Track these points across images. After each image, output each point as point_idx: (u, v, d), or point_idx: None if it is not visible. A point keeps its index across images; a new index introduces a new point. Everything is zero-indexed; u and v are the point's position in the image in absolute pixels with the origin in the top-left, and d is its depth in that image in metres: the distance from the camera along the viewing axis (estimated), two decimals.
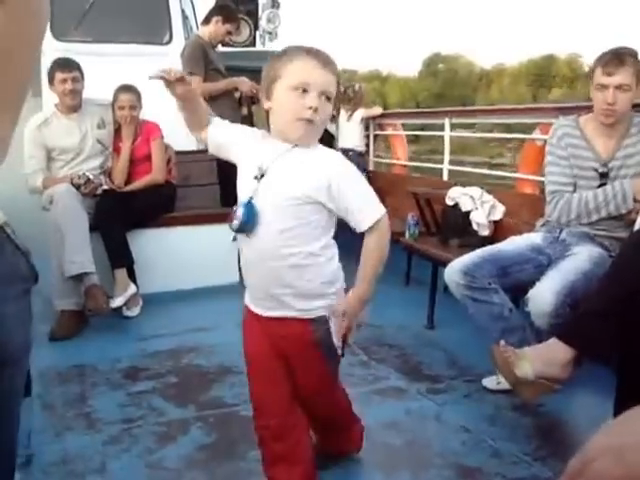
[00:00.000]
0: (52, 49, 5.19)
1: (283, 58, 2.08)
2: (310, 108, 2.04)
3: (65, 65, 4.88)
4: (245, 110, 6.61)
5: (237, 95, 6.38)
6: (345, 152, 7.66)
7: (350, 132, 7.59)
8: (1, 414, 1.47)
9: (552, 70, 73.41)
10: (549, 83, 71.69)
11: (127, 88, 5.17)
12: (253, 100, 6.37)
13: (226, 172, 5.68)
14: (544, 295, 3.03)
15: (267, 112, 2.16)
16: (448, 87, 76.32)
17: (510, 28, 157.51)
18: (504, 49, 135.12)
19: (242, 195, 2.16)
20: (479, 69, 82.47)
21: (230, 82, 6.17)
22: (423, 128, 8.75)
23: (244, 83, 6.19)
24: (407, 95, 75.06)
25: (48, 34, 5.48)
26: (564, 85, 69.53)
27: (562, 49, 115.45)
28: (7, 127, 1.28)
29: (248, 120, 6.70)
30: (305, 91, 2.03)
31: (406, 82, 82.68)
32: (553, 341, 2.80)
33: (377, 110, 7.85)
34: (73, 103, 5.00)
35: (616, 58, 3.24)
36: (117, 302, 4.58)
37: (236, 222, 2.11)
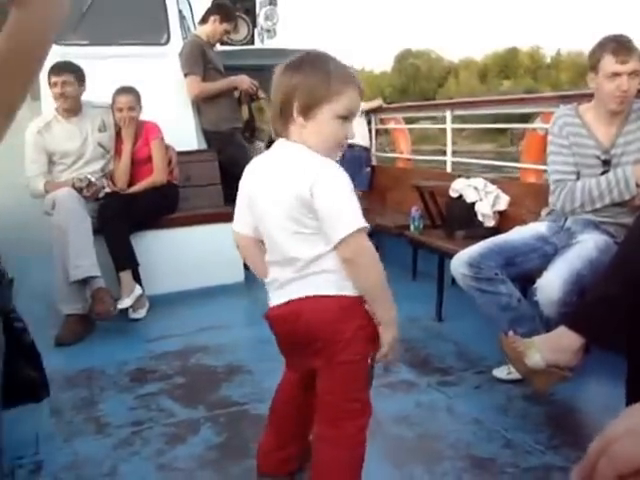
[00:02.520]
0: (50, 53, 5.16)
1: (332, 83, 1.99)
2: (348, 137, 2.09)
3: (56, 69, 4.86)
4: (246, 110, 6.61)
5: (237, 94, 6.37)
6: (350, 147, 7.65)
7: (354, 126, 7.57)
8: None
9: (514, 62, 76.32)
10: (512, 75, 74.58)
11: (125, 90, 5.15)
12: (252, 97, 6.35)
13: (229, 171, 5.68)
14: (552, 284, 3.02)
15: (286, 118, 2.06)
16: (411, 82, 77.99)
17: (479, 22, 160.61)
18: (473, 43, 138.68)
19: None
20: (447, 63, 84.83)
21: (229, 82, 6.17)
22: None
23: (243, 81, 6.18)
24: (375, 91, 76.97)
25: None
26: (512, 77, 73.35)
27: (524, 41, 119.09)
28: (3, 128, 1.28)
29: (251, 125, 6.71)
30: (346, 118, 2.05)
31: (375, 78, 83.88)
32: (562, 329, 2.79)
33: (377, 102, 7.81)
34: (65, 106, 4.99)
35: (624, 46, 3.24)
36: (125, 303, 4.57)
37: None
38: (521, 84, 65.11)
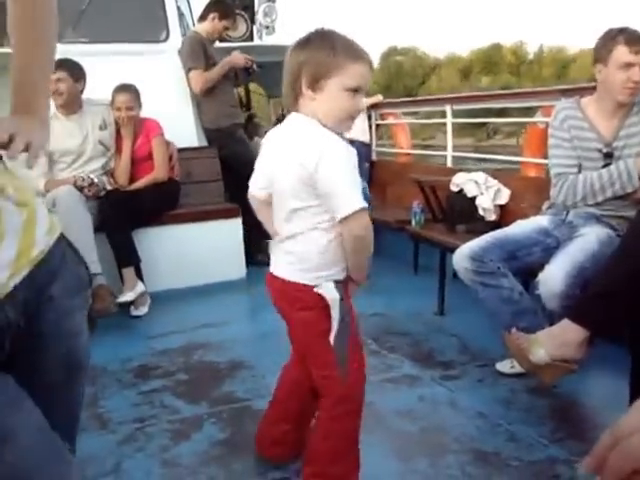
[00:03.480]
0: None
1: (338, 57, 2.05)
2: (359, 110, 2.17)
3: None
4: (243, 93, 6.61)
5: (232, 75, 6.33)
6: (350, 142, 7.59)
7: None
8: (75, 418, 1.49)
9: (498, 58, 78.36)
10: (496, 70, 76.85)
11: (123, 88, 5.15)
12: (249, 72, 6.32)
13: (233, 167, 5.68)
14: (554, 277, 3.02)
15: (295, 93, 2.14)
16: (395, 79, 79.05)
17: (465, 19, 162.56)
18: (459, 40, 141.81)
19: None
20: (433, 59, 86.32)
21: (225, 63, 6.10)
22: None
23: (238, 58, 6.15)
24: None
25: None
26: (495, 73, 75.72)
27: (508, 37, 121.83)
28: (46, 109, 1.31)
29: (251, 120, 6.71)
30: (355, 91, 2.09)
31: None
32: (565, 322, 2.79)
33: (377, 98, 7.80)
34: (59, 103, 4.99)
35: (636, 37, 3.25)
36: (127, 296, 4.58)
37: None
38: (500, 80, 66.82)
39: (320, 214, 2.13)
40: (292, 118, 2.19)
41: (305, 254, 2.17)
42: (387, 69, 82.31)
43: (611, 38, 3.29)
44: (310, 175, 2.04)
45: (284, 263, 2.25)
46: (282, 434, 2.55)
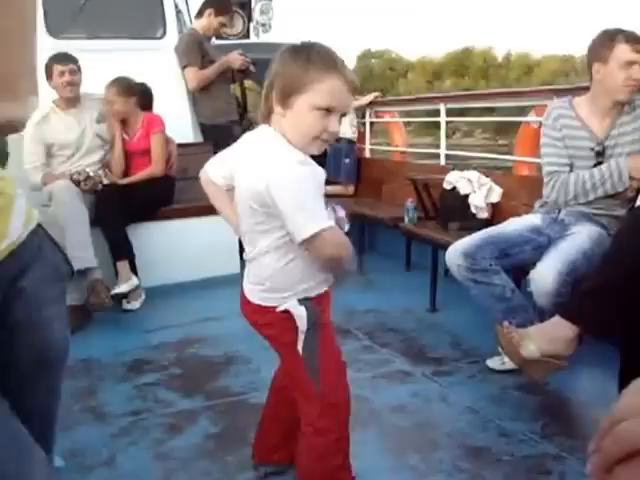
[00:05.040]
0: (48, 47, 5.18)
1: (310, 71, 1.87)
2: (332, 133, 1.96)
3: (63, 58, 4.87)
4: (238, 91, 6.63)
5: (229, 75, 6.33)
6: (336, 140, 7.57)
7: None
8: (49, 412, 1.48)
9: (468, 62, 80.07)
10: (466, 73, 78.45)
11: (111, 82, 5.14)
12: (245, 72, 6.32)
13: None
14: (546, 275, 3.05)
15: (268, 107, 1.98)
16: (366, 82, 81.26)
17: (439, 24, 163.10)
18: (433, 43, 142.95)
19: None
20: (405, 63, 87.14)
21: (221, 63, 6.13)
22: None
23: (235, 58, 6.16)
24: None
25: (43, 32, 5.50)
26: (465, 76, 77.30)
27: (479, 42, 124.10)
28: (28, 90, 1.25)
29: (245, 117, 6.72)
30: (328, 111, 1.90)
31: None
32: (556, 319, 2.82)
33: (367, 98, 7.78)
34: (71, 95, 4.99)
35: (635, 36, 3.28)
36: (121, 289, 4.59)
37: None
38: (463, 83, 69.55)
39: (271, 234, 2.01)
40: (260, 130, 2.05)
41: (262, 276, 2.12)
42: (361, 71, 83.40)
43: (609, 38, 3.31)
44: (262, 197, 1.91)
45: (246, 282, 2.25)
46: (278, 439, 2.48)
